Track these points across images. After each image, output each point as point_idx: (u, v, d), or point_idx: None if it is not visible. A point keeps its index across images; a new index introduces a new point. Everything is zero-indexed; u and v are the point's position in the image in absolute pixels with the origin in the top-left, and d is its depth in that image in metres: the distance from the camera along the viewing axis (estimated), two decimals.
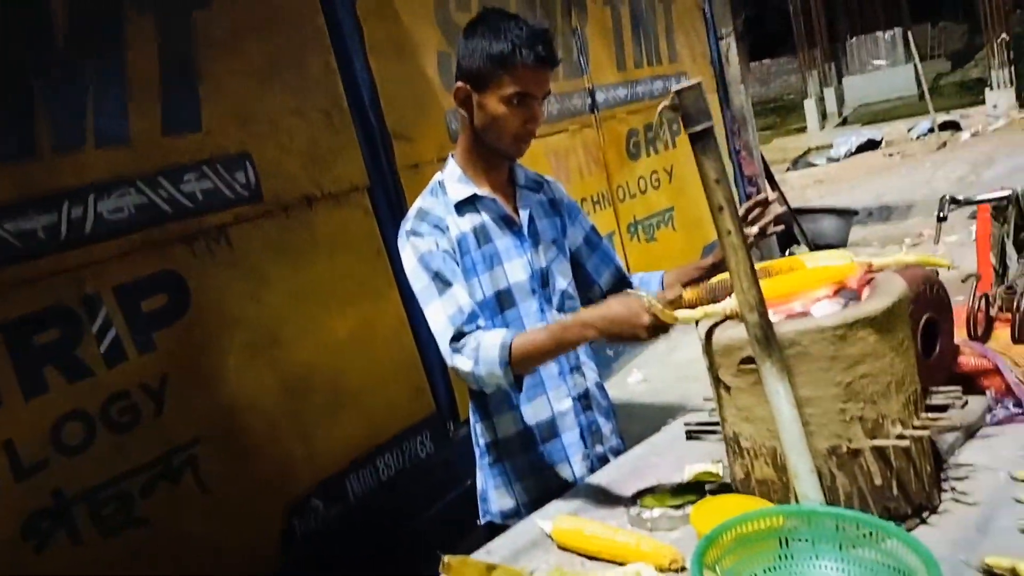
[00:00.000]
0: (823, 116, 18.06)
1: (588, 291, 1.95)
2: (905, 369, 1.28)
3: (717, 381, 1.38)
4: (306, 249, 2.92)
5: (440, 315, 1.65)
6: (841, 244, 6.65)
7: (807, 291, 1.37)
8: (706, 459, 1.62)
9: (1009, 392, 1.55)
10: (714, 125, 1.22)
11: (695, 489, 1.52)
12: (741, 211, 1.71)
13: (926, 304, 1.52)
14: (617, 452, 1.91)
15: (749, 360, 1.27)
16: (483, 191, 1.77)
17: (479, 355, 1.58)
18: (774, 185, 6.79)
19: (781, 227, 1.81)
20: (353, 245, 3.07)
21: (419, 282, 1.70)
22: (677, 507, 1.48)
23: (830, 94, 18.71)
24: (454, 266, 1.70)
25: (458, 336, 1.62)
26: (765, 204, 1.80)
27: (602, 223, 4.77)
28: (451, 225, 1.74)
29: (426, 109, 3.40)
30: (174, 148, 2.58)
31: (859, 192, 9.22)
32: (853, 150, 13.19)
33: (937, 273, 1.56)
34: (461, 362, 1.61)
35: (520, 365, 1.57)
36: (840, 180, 10.95)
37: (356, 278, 3.05)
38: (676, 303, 1.42)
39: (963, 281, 1.74)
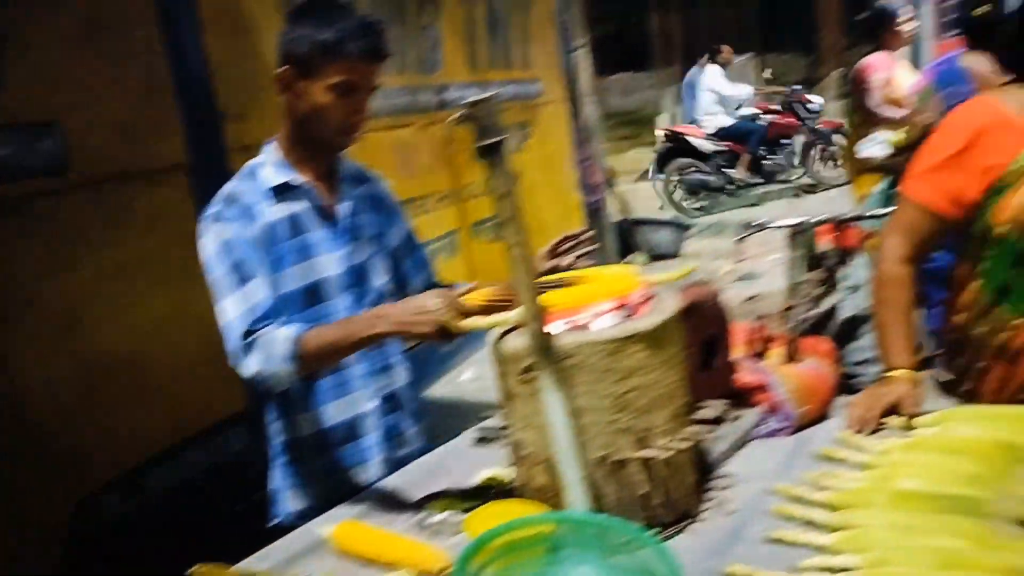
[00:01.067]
0: None
1: (402, 294, 1.94)
2: (674, 383, 1.34)
3: (504, 388, 1.40)
4: (116, 227, 2.73)
5: (231, 311, 1.60)
6: (674, 255, 6.96)
7: (592, 303, 1.41)
8: (500, 464, 1.65)
9: (777, 408, 1.65)
10: (506, 138, 1.23)
11: (482, 494, 1.54)
12: (552, 243, 1.72)
13: (707, 321, 1.60)
14: (420, 455, 1.89)
15: (531, 369, 1.30)
16: (301, 179, 1.72)
17: (268, 351, 1.54)
18: (615, 195, 7.03)
19: (584, 261, 1.75)
20: (169, 226, 2.89)
21: (216, 271, 1.63)
22: (465, 511, 1.49)
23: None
24: (257, 258, 1.64)
25: (247, 334, 1.56)
26: (574, 240, 1.76)
27: (448, 221, 4.76)
28: (263, 212, 1.67)
29: (262, 90, 3.25)
30: None
31: None
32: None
33: (720, 292, 1.65)
34: (248, 362, 1.55)
35: (310, 360, 1.54)
36: None
37: (170, 261, 2.87)
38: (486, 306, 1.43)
39: (746, 300, 1.85)
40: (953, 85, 3.51)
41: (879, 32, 4.71)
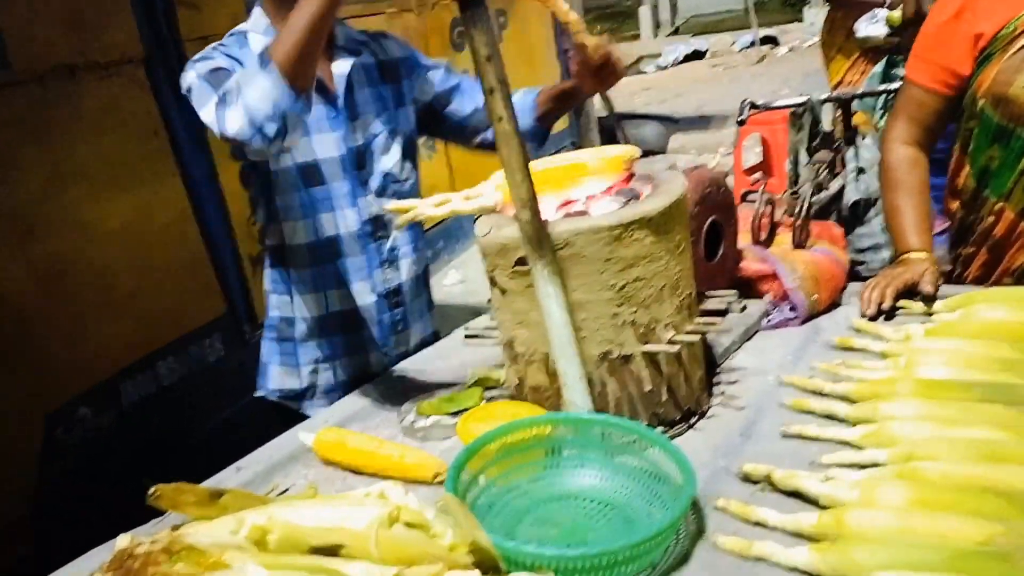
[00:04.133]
0: (657, 24, 18.29)
1: (468, 139, 1.79)
2: (680, 272, 1.22)
3: (493, 283, 1.28)
4: (67, 125, 2.54)
5: (212, 96, 1.33)
6: (661, 150, 6.79)
7: (589, 182, 1.28)
8: (491, 363, 1.54)
9: (786, 297, 1.55)
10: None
11: (474, 395, 1.44)
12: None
13: (711, 207, 1.48)
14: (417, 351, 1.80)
15: (523, 261, 1.18)
16: None
17: (242, 87, 1.27)
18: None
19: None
20: (126, 123, 2.71)
21: (200, 89, 1.38)
22: (454, 414, 1.39)
23: (664, 3, 18.93)
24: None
25: (222, 94, 1.31)
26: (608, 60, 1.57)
27: None
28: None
29: None
30: None
31: (682, 101, 9.44)
32: (681, 59, 13.48)
33: (725, 175, 1.52)
34: (230, 115, 1.28)
35: (286, 63, 1.25)
36: (666, 88, 11.17)
37: (129, 161, 2.71)
38: None
39: (751, 184, 1.72)
40: None
41: None
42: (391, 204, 1.33)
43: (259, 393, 1.78)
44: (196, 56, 1.49)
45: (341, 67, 1.61)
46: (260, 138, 1.28)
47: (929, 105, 1.65)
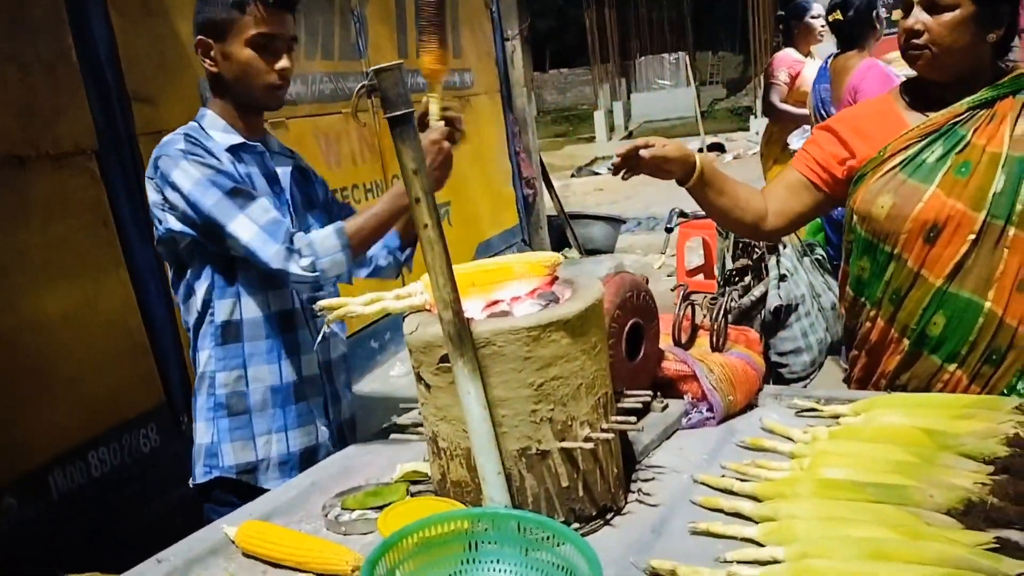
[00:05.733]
0: (611, 128, 19.00)
1: None
2: (596, 372, 1.29)
3: (419, 379, 1.33)
4: (14, 214, 2.57)
5: (253, 225, 1.59)
6: (609, 250, 6.97)
7: (509, 285, 1.35)
8: (420, 458, 1.57)
9: (704, 397, 1.62)
10: (414, 111, 1.16)
11: (399, 490, 1.46)
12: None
13: (632, 309, 1.55)
14: (351, 425, 1.96)
15: (446, 359, 1.23)
16: (252, 142, 1.75)
17: (316, 249, 1.62)
18: (551, 189, 6.99)
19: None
20: (75, 213, 2.75)
21: (211, 198, 1.60)
22: (378, 508, 1.41)
23: (619, 108, 19.71)
24: (251, 186, 1.68)
25: (288, 238, 1.59)
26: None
27: None
28: (225, 164, 1.66)
29: (175, 73, 3.13)
30: None
31: (632, 202, 9.74)
32: None
33: (646, 280, 1.60)
34: (299, 262, 1.60)
35: (359, 243, 1.66)
36: (617, 190, 11.51)
37: (76, 250, 2.73)
38: None
39: (672, 290, 1.81)
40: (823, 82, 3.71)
41: (791, 28, 4.78)
42: (323, 302, 1.40)
43: (206, 477, 1.80)
44: (177, 144, 1.63)
45: (282, 166, 1.81)
46: (319, 286, 1.70)
47: (792, 185, 1.80)
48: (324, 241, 1.63)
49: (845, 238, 1.78)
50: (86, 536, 2.61)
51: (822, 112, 3.73)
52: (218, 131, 1.72)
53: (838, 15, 3.63)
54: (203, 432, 1.80)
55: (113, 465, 2.79)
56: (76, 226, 2.74)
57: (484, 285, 1.35)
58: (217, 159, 1.65)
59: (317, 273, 1.62)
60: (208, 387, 1.78)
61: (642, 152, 1.60)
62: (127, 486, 2.83)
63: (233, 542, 1.34)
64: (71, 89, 2.76)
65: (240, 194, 1.61)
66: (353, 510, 1.42)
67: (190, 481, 1.83)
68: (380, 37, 4.90)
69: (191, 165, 1.61)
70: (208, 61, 1.70)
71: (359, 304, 1.36)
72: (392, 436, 1.78)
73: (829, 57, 3.89)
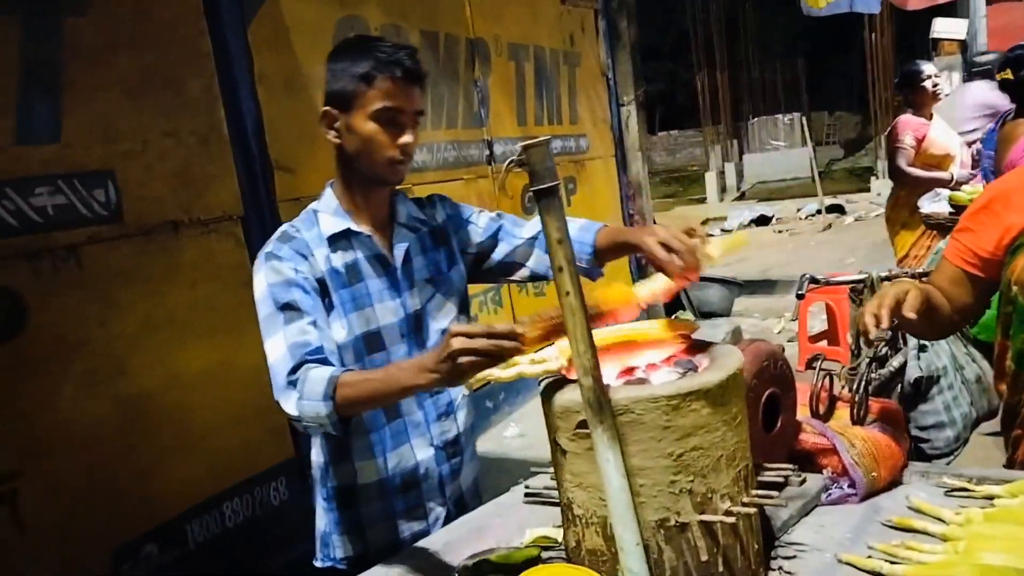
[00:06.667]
0: (723, 189, 18.77)
1: (514, 274, 1.87)
2: (737, 444, 1.26)
3: (555, 444, 1.34)
4: (166, 276, 2.76)
5: (280, 346, 1.53)
6: (725, 313, 6.83)
7: (647, 352, 1.35)
8: (549, 523, 1.57)
9: (845, 472, 1.56)
10: (559, 184, 1.19)
11: (531, 555, 1.46)
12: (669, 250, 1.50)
13: (770, 379, 1.52)
14: (474, 496, 1.87)
15: (584, 425, 1.24)
16: (359, 227, 1.69)
17: (303, 388, 1.46)
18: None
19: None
20: (220, 275, 2.93)
21: (264, 309, 1.58)
22: (510, 574, 1.41)
23: (731, 169, 19.48)
24: (310, 300, 1.59)
25: (295, 369, 1.49)
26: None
27: None
28: (318, 258, 1.64)
29: (314, 143, 3.31)
30: (27, 158, 2.42)
31: (747, 264, 9.55)
32: (746, 223, 13.72)
33: (783, 349, 1.57)
34: (289, 400, 1.48)
35: (347, 404, 1.45)
36: None
37: (219, 310, 2.90)
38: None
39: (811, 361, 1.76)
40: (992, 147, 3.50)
41: (908, 92, 4.69)
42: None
43: (323, 564, 1.79)
44: (268, 246, 1.64)
45: (400, 243, 1.74)
46: (299, 426, 1.53)
47: (954, 279, 1.74)
48: (313, 385, 1.46)
49: (1003, 310, 1.68)
50: None
51: (991, 180, 3.57)
52: (328, 214, 1.69)
53: (1007, 74, 3.43)
54: (319, 519, 1.81)
55: (245, 516, 2.91)
56: (220, 287, 2.92)
57: (620, 351, 1.36)
58: (305, 257, 1.62)
59: (300, 419, 1.49)
60: (321, 478, 1.78)
61: (907, 314, 1.54)
62: (257, 536, 2.93)
63: None
64: (222, 159, 2.97)
65: (288, 309, 1.55)
66: (485, 573, 1.43)
67: (314, 561, 1.83)
68: (500, 105, 5.05)
69: (268, 271, 1.59)
70: (332, 133, 1.66)
71: (496, 369, 1.38)
72: (518, 498, 1.78)
73: (1000, 119, 3.71)
